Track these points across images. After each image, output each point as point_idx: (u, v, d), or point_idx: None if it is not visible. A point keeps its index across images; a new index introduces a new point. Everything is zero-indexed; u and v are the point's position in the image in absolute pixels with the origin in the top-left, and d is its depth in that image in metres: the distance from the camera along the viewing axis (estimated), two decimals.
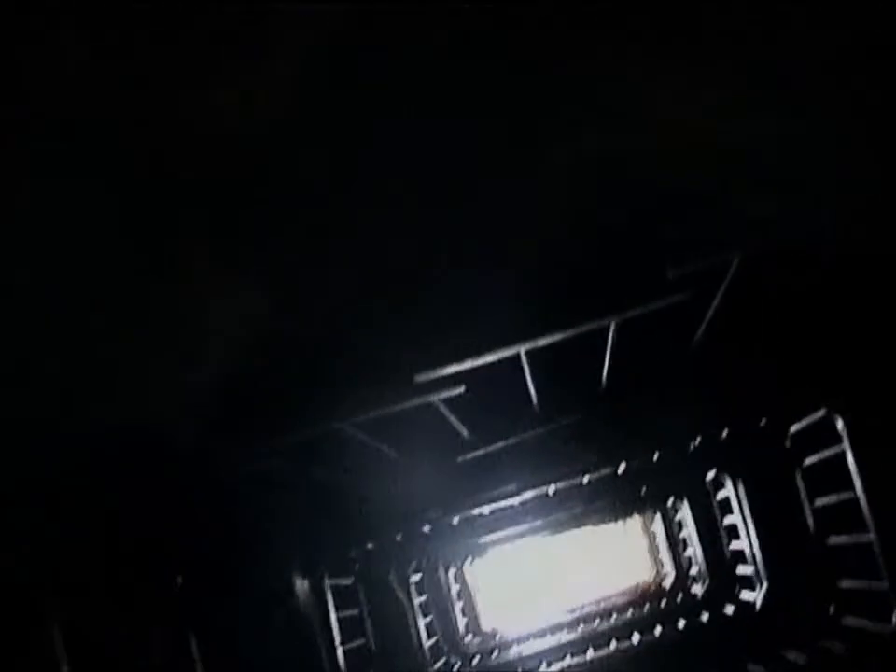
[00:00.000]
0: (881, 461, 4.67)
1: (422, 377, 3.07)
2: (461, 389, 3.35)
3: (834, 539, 5.74)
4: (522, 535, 7.88)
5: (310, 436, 3.51)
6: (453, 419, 3.92)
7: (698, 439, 5.91)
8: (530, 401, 4.09)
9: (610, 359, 3.82)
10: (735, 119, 2.40)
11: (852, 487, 4.88)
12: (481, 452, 4.53)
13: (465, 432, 4.21)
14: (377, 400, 3.28)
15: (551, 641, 8.03)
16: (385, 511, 4.94)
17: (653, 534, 8.94)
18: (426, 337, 3.04)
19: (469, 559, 8.58)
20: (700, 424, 5.35)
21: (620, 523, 8.95)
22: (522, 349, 3.16)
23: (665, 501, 8.05)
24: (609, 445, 4.91)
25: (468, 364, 3.07)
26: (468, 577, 8.77)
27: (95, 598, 3.84)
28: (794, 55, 2.13)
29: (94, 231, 2.08)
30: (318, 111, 1.98)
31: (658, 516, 8.41)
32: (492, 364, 3.31)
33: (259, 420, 3.31)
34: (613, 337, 3.40)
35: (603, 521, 8.55)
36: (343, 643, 5.70)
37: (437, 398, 3.39)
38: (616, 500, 7.52)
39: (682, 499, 7.63)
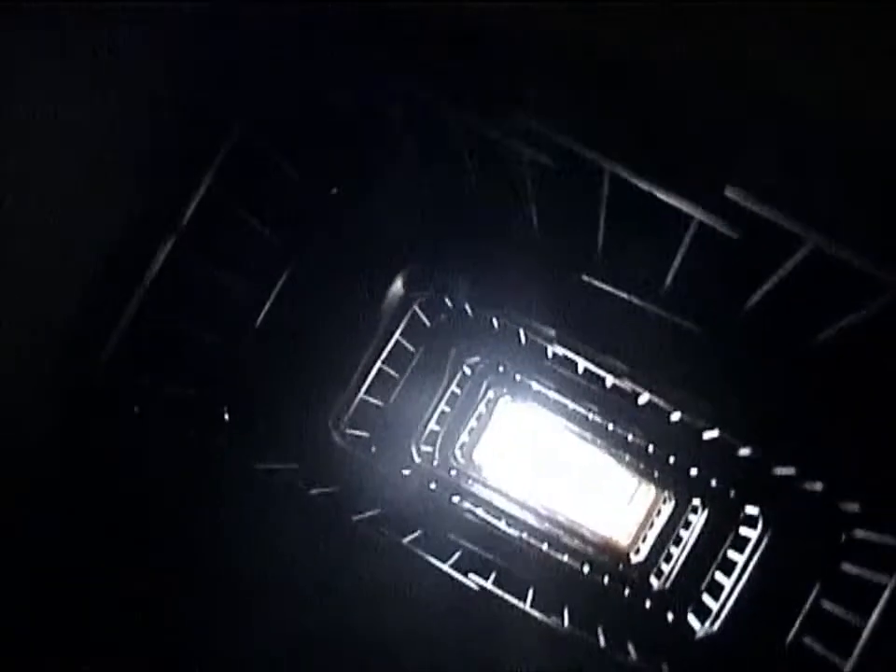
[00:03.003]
0: None
1: None
2: None
3: (808, 642, 5.04)
4: (562, 412, 7.36)
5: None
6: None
7: (789, 467, 5.08)
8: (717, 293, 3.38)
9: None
10: None
11: (866, 612, 4.17)
12: (612, 290, 3.87)
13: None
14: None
15: (512, 509, 7.68)
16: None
17: (658, 511, 8.19)
18: None
19: (510, 397, 8.14)
20: (806, 448, 4.55)
21: (637, 480, 8.25)
22: None
23: (691, 496, 7.25)
24: (704, 373, 4.22)
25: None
26: (497, 410, 8.39)
27: None
28: None
29: None
30: None
31: (673, 502, 7.63)
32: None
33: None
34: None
35: (626, 463, 7.88)
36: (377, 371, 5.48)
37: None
38: (653, 449, 6.80)
39: (706, 507, 6.84)
